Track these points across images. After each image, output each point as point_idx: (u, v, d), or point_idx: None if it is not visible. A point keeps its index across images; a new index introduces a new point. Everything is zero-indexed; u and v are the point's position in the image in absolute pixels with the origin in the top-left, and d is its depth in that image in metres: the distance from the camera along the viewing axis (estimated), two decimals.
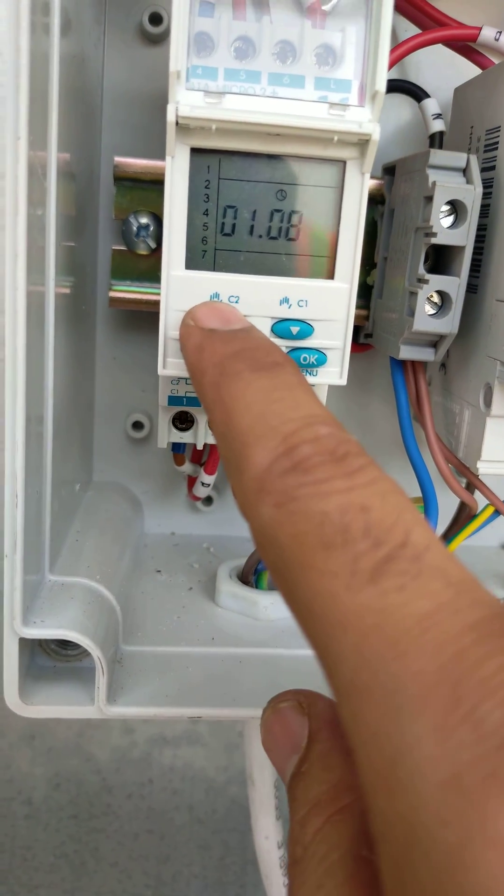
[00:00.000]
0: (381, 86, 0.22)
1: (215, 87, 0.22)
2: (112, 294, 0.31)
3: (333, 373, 0.25)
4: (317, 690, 0.18)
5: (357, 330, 0.33)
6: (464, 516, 0.32)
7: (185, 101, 0.21)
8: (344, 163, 0.23)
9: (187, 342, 0.21)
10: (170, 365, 0.24)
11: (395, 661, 0.12)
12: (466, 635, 0.12)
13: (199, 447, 0.30)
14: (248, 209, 0.23)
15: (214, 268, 0.23)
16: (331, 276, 0.24)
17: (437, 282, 0.26)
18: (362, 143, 0.22)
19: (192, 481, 0.35)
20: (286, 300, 0.23)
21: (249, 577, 0.32)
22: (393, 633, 0.13)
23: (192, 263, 0.23)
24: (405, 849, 0.11)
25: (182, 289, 0.23)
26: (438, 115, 0.30)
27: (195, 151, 0.22)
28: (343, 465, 0.15)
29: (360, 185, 0.23)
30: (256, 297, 0.23)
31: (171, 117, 0.21)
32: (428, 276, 0.26)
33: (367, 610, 0.13)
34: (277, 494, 0.15)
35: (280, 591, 0.15)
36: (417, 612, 0.13)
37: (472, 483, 0.30)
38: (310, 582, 0.14)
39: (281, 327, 0.24)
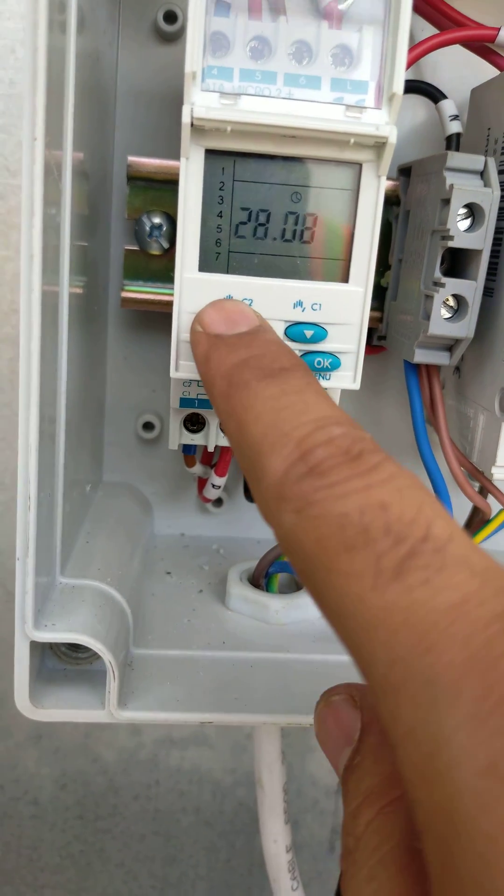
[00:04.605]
0: (399, 88, 0.21)
1: (231, 88, 0.21)
2: (124, 294, 0.31)
3: (347, 377, 0.25)
4: None
5: (370, 332, 0.32)
6: (476, 521, 0.32)
7: (201, 103, 0.21)
8: (360, 165, 0.22)
9: (196, 349, 0.21)
10: (182, 367, 0.24)
11: (424, 655, 0.12)
12: (494, 624, 0.12)
13: (210, 449, 0.30)
14: (262, 211, 0.23)
15: (228, 270, 0.23)
16: (345, 279, 0.23)
17: (453, 285, 0.26)
18: (379, 145, 0.22)
19: (202, 483, 0.35)
20: (300, 303, 0.23)
21: (260, 580, 0.32)
22: (421, 628, 0.13)
23: (205, 265, 0.23)
24: (448, 839, 0.11)
25: (195, 291, 0.23)
26: (455, 117, 0.30)
27: (210, 153, 0.22)
28: (359, 464, 0.15)
29: (375, 188, 0.23)
30: (270, 300, 0.23)
31: (186, 119, 0.21)
32: (444, 280, 0.26)
33: (394, 608, 0.13)
34: (296, 500, 0.15)
35: (311, 595, 0.15)
36: (443, 604, 0.13)
37: (486, 488, 0.30)
38: (336, 585, 0.14)
39: (294, 331, 0.24)
